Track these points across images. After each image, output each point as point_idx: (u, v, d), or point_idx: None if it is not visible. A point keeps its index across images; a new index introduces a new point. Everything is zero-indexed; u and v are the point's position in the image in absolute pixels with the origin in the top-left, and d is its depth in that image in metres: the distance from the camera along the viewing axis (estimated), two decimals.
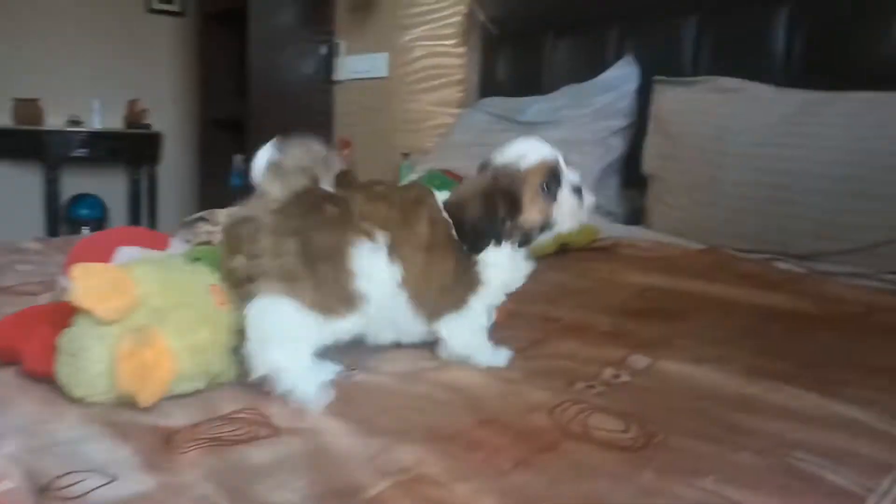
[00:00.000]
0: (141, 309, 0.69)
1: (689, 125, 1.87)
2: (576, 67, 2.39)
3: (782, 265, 1.50)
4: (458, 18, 2.97)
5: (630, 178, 2.13)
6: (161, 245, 1.05)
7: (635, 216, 2.10)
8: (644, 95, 2.12)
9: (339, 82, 3.63)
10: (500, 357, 0.88)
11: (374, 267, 0.78)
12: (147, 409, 0.67)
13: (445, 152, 2.51)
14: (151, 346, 0.66)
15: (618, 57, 2.26)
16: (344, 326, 0.78)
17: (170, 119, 4.28)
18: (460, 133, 2.55)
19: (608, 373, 0.85)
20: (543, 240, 0.89)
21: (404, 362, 0.86)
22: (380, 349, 0.88)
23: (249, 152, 3.42)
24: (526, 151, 0.85)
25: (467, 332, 0.86)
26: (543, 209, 0.85)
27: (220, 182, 3.85)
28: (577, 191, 0.87)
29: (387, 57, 3.35)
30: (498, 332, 1.02)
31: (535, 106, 2.38)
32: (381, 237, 0.79)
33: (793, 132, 1.63)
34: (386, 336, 0.87)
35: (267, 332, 0.73)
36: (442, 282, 0.83)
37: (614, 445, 0.64)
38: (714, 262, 1.53)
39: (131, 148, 4.12)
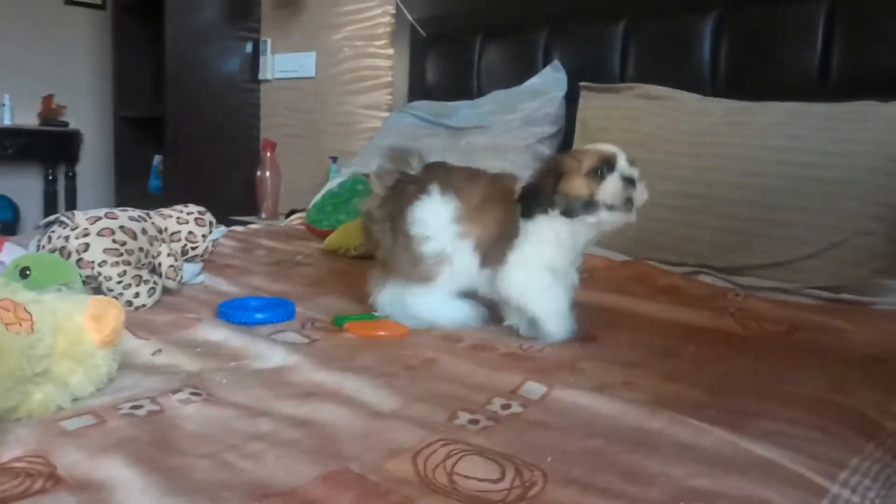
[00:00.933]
0: None
1: (614, 132, 1.79)
2: (505, 71, 2.31)
3: (705, 279, 1.44)
4: (387, 19, 2.86)
5: None
6: None
7: None
8: (572, 101, 2.05)
9: (266, 81, 3.46)
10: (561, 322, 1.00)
11: (427, 211, 0.99)
12: None
13: (371, 156, 2.39)
14: None
15: (546, 62, 2.19)
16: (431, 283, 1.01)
17: (89, 117, 4.02)
18: (386, 136, 2.44)
19: (497, 403, 0.74)
20: (594, 223, 0.97)
21: (261, 388, 0.74)
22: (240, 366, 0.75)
23: (168, 152, 3.29)
24: (593, 146, 1.00)
25: (523, 271, 0.99)
26: (587, 185, 0.95)
27: (139, 183, 3.63)
28: (629, 180, 0.95)
29: (314, 56, 3.20)
30: (388, 350, 0.91)
31: (462, 111, 2.30)
32: (435, 188, 1.00)
33: (717, 142, 1.58)
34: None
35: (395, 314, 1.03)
36: (493, 228, 1.00)
37: (481, 501, 0.53)
38: (635, 274, 1.46)
39: (46, 146, 3.84)
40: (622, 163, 0.96)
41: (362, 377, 0.77)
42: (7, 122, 3.69)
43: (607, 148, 0.98)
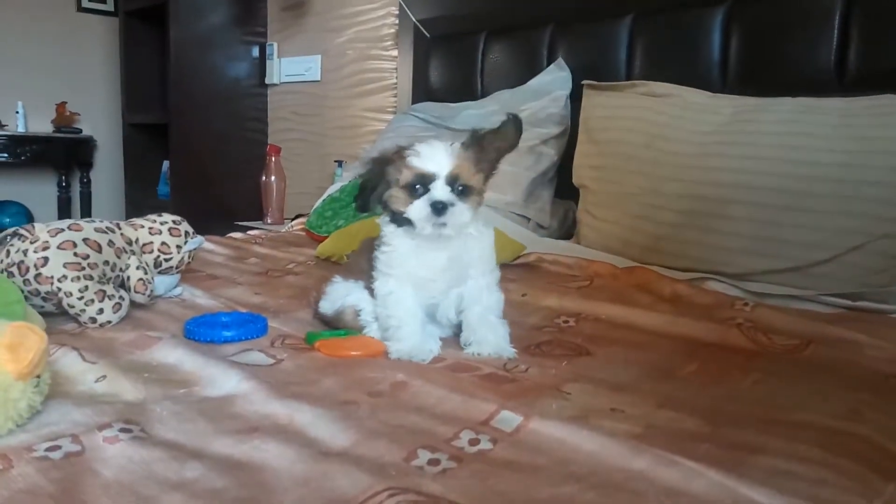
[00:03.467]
0: None
1: (618, 132, 1.71)
2: (509, 71, 2.24)
3: (714, 285, 1.35)
4: (390, 20, 2.79)
5: (565, 190, 1.97)
6: None
7: (570, 230, 1.94)
8: (577, 101, 1.96)
9: (273, 85, 3.42)
10: (411, 347, 0.93)
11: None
12: None
13: None
14: None
15: (551, 60, 2.11)
16: None
17: (102, 123, 4.02)
18: (389, 139, 2.37)
19: (465, 437, 0.66)
20: (416, 231, 0.94)
21: (203, 421, 0.67)
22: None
23: (174, 158, 3.26)
24: (422, 152, 0.92)
25: (378, 304, 0.99)
26: (404, 200, 0.93)
27: (150, 189, 3.61)
28: (437, 206, 0.90)
29: (319, 60, 3.15)
30: (355, 372, 0.84)
31: (465, 112, 2.23)
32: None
33: (726, 141, 1.48)
34: None
35: None
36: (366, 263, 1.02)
37: None
38: (638, 282, 1.37)
39: (60, 153, 3.84)
40: (438, 186, 0.91)
41: (317, 407, 0.70)
42: (21, 129, 3.70)
43: (430, 165, 0.91)
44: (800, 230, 1.32)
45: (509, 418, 0.70)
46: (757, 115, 1.47)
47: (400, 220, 0.94)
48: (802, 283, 1.31)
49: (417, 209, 0.91)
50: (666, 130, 1.59)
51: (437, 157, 0.92)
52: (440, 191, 0.91)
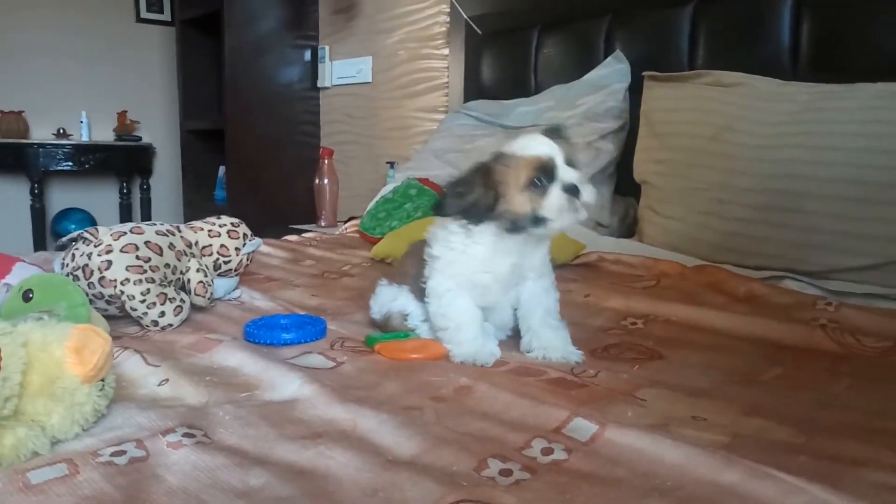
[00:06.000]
0: None
1: (682, 125, 1.64)
2: (564, 65, 2.18)
3: (791, 284, 1.28)
4: (441, 18, 2.77)
5: (625, 186, 1.91)
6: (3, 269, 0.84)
7: (631, 228, 1.87)
8: (637, 94, 1.90)
9: (325, 89, 3.44)
10: (474, 350, 0.89)
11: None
12: None
13: (425, 159, 2.31)
14: None
15: (608, 52, 2.05)
16: None
17: (160, 130, 4.14)
18: (441, 139, 2.35)
19: (538, 446, 0.62)
20: (541, 234, 0.89)
21: (265, 425, 0.65)
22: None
23: (230, 163, 3.31)
24: (525, 146, 0.87)
25: (431, 303, 0.94)
26: (530, 201, 0.85)
27: (207, 194, 3.68)
28: (572, 190, 0.84)
29: (370, 61, 3.16)
30: (418, 376, 0.81)
31: (519, 108, 2.18)
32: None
33: (800, 131, 1.40)
34: None
35: None
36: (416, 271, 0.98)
37: None
38: (709, 281, 1.30)
39: (121, 160, 3.97)
40: (561, 168, 0.85)
41: (380, 413, 0.67)
42: (84, 138, 3.83)
43: (542, 150, 0.86)
44: (883, 224, 1.24)
45: (583, 426, 0.66)
46: (833, 102, 1.38)
47: (526, 226, 0.86)
48: (887, 281, 1.22)
49: (555, 203, 0.84)
50: (734, 121, 1.52)
51: (543, 147, 0.86)
52: (568, 173, 0.85)
